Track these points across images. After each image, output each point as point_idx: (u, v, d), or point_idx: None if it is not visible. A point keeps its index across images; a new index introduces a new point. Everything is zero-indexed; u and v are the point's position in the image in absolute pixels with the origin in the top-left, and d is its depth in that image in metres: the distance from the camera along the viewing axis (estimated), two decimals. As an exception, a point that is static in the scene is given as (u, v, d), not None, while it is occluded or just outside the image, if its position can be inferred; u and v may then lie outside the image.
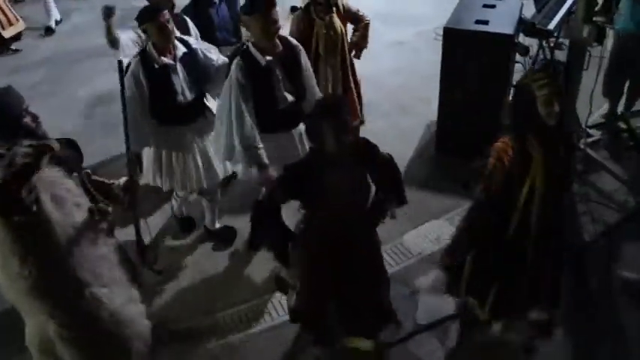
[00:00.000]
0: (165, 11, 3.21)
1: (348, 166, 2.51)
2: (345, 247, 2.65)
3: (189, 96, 3.33)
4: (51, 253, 2.09)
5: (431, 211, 4.03)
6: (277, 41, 3.09)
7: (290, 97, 3.15)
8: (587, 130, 4.39)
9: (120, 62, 2.65)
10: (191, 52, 3.34)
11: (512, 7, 4.45)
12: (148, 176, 3.60)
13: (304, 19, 3.95)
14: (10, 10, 7.03)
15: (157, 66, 3.20)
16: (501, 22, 4.11)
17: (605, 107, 4.75)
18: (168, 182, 3.57)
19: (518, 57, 4.64)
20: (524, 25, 4.36)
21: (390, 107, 5.27)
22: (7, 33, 6.93)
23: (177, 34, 3.45)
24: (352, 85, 4.23)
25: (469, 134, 4.30)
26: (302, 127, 3.13)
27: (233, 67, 3.04)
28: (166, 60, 3.22)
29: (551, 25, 4.85)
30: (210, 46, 3.57)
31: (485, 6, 4.39)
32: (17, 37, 7.13)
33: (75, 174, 2.32)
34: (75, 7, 8.09)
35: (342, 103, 2.56)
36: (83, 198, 2.30)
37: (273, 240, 2.79)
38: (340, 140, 2.42)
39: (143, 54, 3.23)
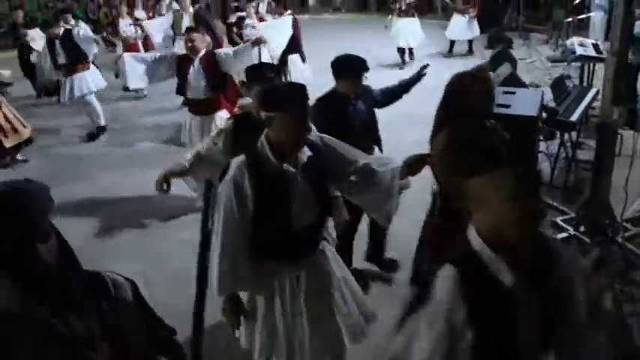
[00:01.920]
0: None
1: None
2: None
3: (305, 220, 2.28)
4: None
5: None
6: None
7: None
8: (624, 223, 4.00)
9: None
10: (317, 155, 2.31)
11: (533, 93, 4.31)
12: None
13: None
14: (15, 116, 6.29)
15: (270, 170, 2.18)
16: (524, 106, 3.93)
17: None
18: (246, 341, 2.48)
19: (541, 146, 4.42)
20: (547, 112, 4.19)
21: (409, 203, 4.94)
22: (9, 142, 6.11)
23: None
24: None
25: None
26: None
27: None
28: (286, 166, 2.20)
29: (574, 117, 4.70)
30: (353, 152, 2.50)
31: (505, 92, 4.26)
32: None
33: None
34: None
35: None
36: None
37: None
38: None
39: (253, 154, 2.22)
